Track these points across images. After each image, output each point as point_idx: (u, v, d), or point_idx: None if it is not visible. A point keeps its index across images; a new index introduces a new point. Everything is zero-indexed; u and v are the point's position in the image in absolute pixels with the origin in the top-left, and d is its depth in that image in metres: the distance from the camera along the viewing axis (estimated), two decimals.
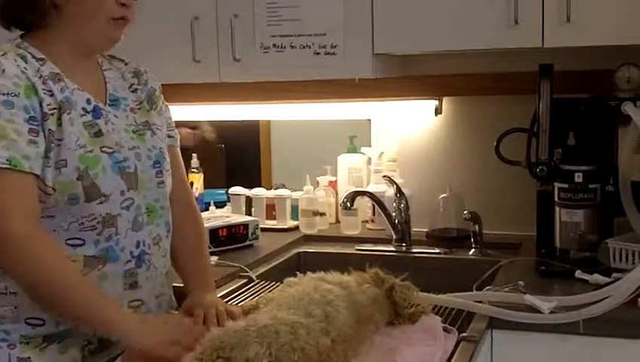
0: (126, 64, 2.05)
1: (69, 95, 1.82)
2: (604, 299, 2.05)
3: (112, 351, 1.84)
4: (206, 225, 2.78)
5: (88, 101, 1.86)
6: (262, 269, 2.68)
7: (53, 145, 1.76)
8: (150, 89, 2.05)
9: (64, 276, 1.74)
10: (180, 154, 2.17)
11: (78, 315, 1.76)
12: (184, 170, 2.18)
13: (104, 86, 1.95)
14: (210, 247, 2.76)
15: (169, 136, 2.11)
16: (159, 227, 1.98)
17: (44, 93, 1.77)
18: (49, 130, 1.76)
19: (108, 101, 1.93)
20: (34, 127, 1.74)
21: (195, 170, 3.44)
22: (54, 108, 1.78)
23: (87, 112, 1.85)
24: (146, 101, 2.02)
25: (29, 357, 1.81)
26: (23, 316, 1.81)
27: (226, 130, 4.29)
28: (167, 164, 2.00)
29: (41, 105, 1.76)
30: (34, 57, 1.82)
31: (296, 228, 3.18)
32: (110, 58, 2.03)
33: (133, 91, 2.01)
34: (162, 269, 2.00)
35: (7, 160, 1.68)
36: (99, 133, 1.84)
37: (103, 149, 1.84)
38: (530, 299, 2.08)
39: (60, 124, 1.78)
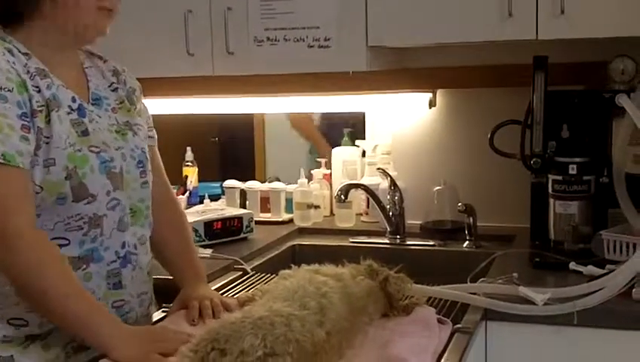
0: (105, 62, 2.03)
1: (56, 92, 1.79)
2: (598, 290, 2.05)
3: (94, 349, 1.81)
4: (200, 218, 2.81)
5: (73, 99, 1.84)
6: (256, 262, 2.68)
7: (42, 143, 1.74)
8: (130, 89, 2.03)
9: (65, 285, 1.71)
10: (158, 153, 2.15)
11: (68, 326, 1.75)
12: (163, 167, 2.16)
13: (86, 84, 1.93)
14: (204, 240, 2.78)
15: (149, 137, 2.09)
16: (144, 228, 1.97)
17: (33, 90, 1.75)
18: (38, 127, 1.73)
19: (91, 100, 1.91)
20: (25, 123, 1.71)
21: (189, 164, 3.44)
22: (42, 106, 1.75)
23: (73, 110, 1.83)
24: (126, 100, 2.00)
25: (11, 356, 1.79)
26: (6, 316, 1.79)
27: (221, 124, 4.30)
28: (149, 164, 1.99)
29: (30, 102, 1.73)
30: (19, 51, 1.79)
31: (291, 220, 3.18)
32: (89, 55, 2.01)
33: (113, 90, 1.99)
34: (146, 268, 1.99)
35: (1, 154, 1.66)
36: (86, 132, 1.82)
37: (91, 149, 1.82)
38: (524, 290, 2.08)
39: (48, 122, 1.75)
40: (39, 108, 1.75)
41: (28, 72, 1.76)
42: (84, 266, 1.82)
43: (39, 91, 1.76)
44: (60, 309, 1.70)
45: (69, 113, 1.81)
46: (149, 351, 1.67)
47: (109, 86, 1.99)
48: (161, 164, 2.16)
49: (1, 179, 1.67)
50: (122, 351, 1.67)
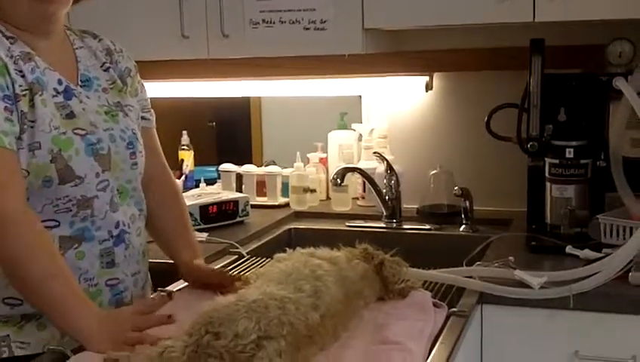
0: (99, 41, 2.02)
1: (40, 75, 1.79)
2: (595, 274, 2.05)
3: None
4: (196, 201, 2.81)
5: (60, 81, 1.84)
6: (252, 246, 2.68)
7: (26, 127, 1.74)
8: (124, 69, 2.03)
9: (52, 266, 1.70)
10: (157, 136, 2.15)
11: (43, 307, 1.73)
12: (161, 150, 2.16)
13: (75, 65, 1.93)
14: (200, 224, 2.77)
15: (145, 118, 2.09)
16: (130, 207, 1.97)
17: (16, 74, 1.74)
18: (21, 111, 1.73)
19: (79, 82, 1.90)
20: (8, 105, 1.71)
21: (185, 148, 3.43)
22: (26, 90, 1.75)
23: (58, 93, 1.83)
24: (119, 80, 2.00)
25: (7, 335, 1.80)
26: (1, 296, 1.80)
27: (217, 108, 4.29)
28: (141, 146, 1.99)
29: (13, 86, 1.73)
30: (4, 35, 1.78)
31: (287, 205, 3.17)
32: (82, 34, 2.00)
33: (105, 70, 1.98)
34: (139, 247, 1.99)
35: None
36: (71, 115, 1.82)
37: (76, 131, 1.81)
38: (520, 274, 2.08)
39: (32, 106, 1.75)
40: (22, 93, 1.75)
41: (11, 55, 1.76)
42: (76, 245, 1.82)
43: (23, 75, 1.76)
44: (39, 291, 1.68)
45: (54, 96, 1.81)
46: (118, 339, 1.65)
47: (101, 66, 1.98)
48: (159, 146, 2.15)
49: None
50: (94, 344, 1.65)
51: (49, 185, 1.76)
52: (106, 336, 1.66)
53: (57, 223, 1.80)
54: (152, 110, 2.15)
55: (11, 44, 1.78)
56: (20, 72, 1.76)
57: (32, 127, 1.74)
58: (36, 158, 1.74)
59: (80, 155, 1.81)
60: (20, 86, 1.74)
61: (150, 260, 2.10)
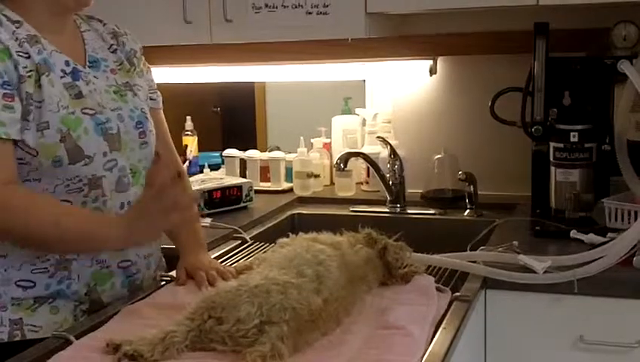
0: (104, 25, 2.04)
1: (47, 57, 1.81)
2: (599, 258, 2.04)
3: (102, 312, 1.84)
4: (200, 186, 2.81)
5: (67, 63, 1.85)
6: (256, 231, 2.67)
7: (32, 107, 1.75)
8: (130, 50, 2.04)
9: (55, 208, 1.76)
10: (164, 117, 2.15)
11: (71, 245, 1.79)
12: (168, 132, 2.17)
13: (83, 47, 1.94)
14: (204, 209, 2.77)
15: (151, 99, 2.10)
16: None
17: (19, 56, 1.75)
18: (27, 92, 1.74)
19: (87, 63, 1.92)
20: (8, 91, 1.72)
21: (189, 133, 3.43)
22: (31, 71, 1.76)
23: (66, 74, 1.84)
24: (126, 62, 2.01)
25: (20, 318, 1.82)
26: (13, 278, 1.82)
27: (221, 93, 4.28)
28: (151, 125, 2.00)
29: (16, 68, 1.74)
30: (9, 20, 1.79)
31: (291, 190, 3.16)
32: (88, 19, 2.02)
33: (112, 52, 2.00)
34: None
35: None
36: (79, 95, 1.84)
37: (85, 111, 1.83)
38: (524, 258, 2.07)
39: (39, 86, 1.77)
40: (28, 74, 1.76)
41: (16, 38, 1.77)
42: None
43: (28, 57, 1.77)
44: (59, 234, 1.74)
45: (62, 77, 1.82)
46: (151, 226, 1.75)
47: (109, 48, 2.00)
48: (166, 128, 2.16)
49: None
50: (134, 237, 1.78)
51: (59, 165, 1.77)
52: (144, 226, 1.74)
53: (70, 204, 1.81)
54: (159, 91, 2.15)
55: (17, 27, 1.79)
56: (26, 53, 1.77)
57: (39, 107, 1.76)
58: (45, 138, 1.76)
59: (89, 135, 1.82)
60: (25, 67, 1.75)
61: (163, 246, 2.12)
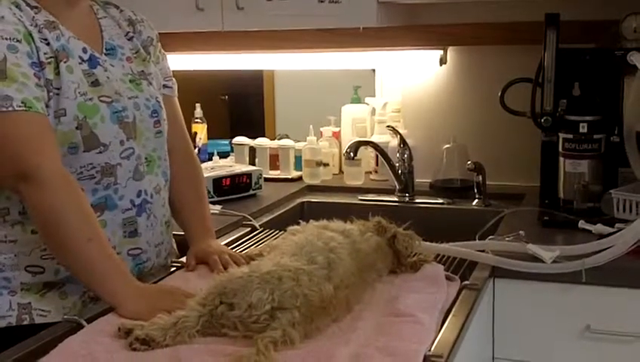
0: (121, 11, 2.04)
1: (65, 43, 1.81)
2: (607, 248, 2.05)
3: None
4: (209, 174, 2.81)
5: (84, 50, 1.86)
6: (265, 218, 2.68)
7: (51, 94, 1.76)
8: (147, 38, 2.05)
9: (87, 230, 1.72)
10: (179, 105, 2.16)
11: (80, 272, 1.75)
12: (183, 120, 2.18)
13: (100, 34, 1.95)
14: (213, 197, 2.78)
15: (166, 86, 2.11)
16: (158, 177, 1.99)
17: (41, 42, 1.77)
18: (47, 79, 1.75)
19: (104, 50, 1.92)
20: (36, 72, 1.74)
21: (198, 121, 3.44)
22: (51, 57, 1.77)
23: (83, 61, 1.85)
24: (142, 50, 2.01)
25: (29, 303, 1.83)
26: (23, 264, 1.82)
27: (230, 81, 4.29)
28: (164, 114, 2.01)
29: (37, 54, 1.75)
30: (28, 5, 1.80)
31: (300, 178, 3.17)
32: (105, 5, 2.02)
33: (129, 39, 2.01)
34: (162, 218, 2.01)
35: (22, 102, 1.68)
36: (96, 83, 1.84)
37: (102, 98, 1.84)
38: (532, 248, 2.08)
39: (57, 73, 1.78)
40: (47, 60, 1.77)
41: (36, 24, 1.78)
42: (99, 214, 1.83)
43: (48, 43, 1.78)
44: (75, 253, 1.71)
45: (80, 63, 1.83)
46: (155, 308, 1.65)
47: (125, 35, 2.01)
48: (181, 116, 2.17)
49: (23, 123, 1.69)
50: (129, 307, 1.68)
51: (74, 151, 1.78)
52: (144, 304, 1.68)
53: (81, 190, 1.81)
54: (174, 79, 2.16)
55: (35, 13, 1.80)
56: (45, 39, 1.78)
57: (57, 94, 1.77)
58: (62, 125, 1.76)
59: (105, 122, 1.83)
60: (45, 54, 1.76)
61: (175, 232, 2.13)
